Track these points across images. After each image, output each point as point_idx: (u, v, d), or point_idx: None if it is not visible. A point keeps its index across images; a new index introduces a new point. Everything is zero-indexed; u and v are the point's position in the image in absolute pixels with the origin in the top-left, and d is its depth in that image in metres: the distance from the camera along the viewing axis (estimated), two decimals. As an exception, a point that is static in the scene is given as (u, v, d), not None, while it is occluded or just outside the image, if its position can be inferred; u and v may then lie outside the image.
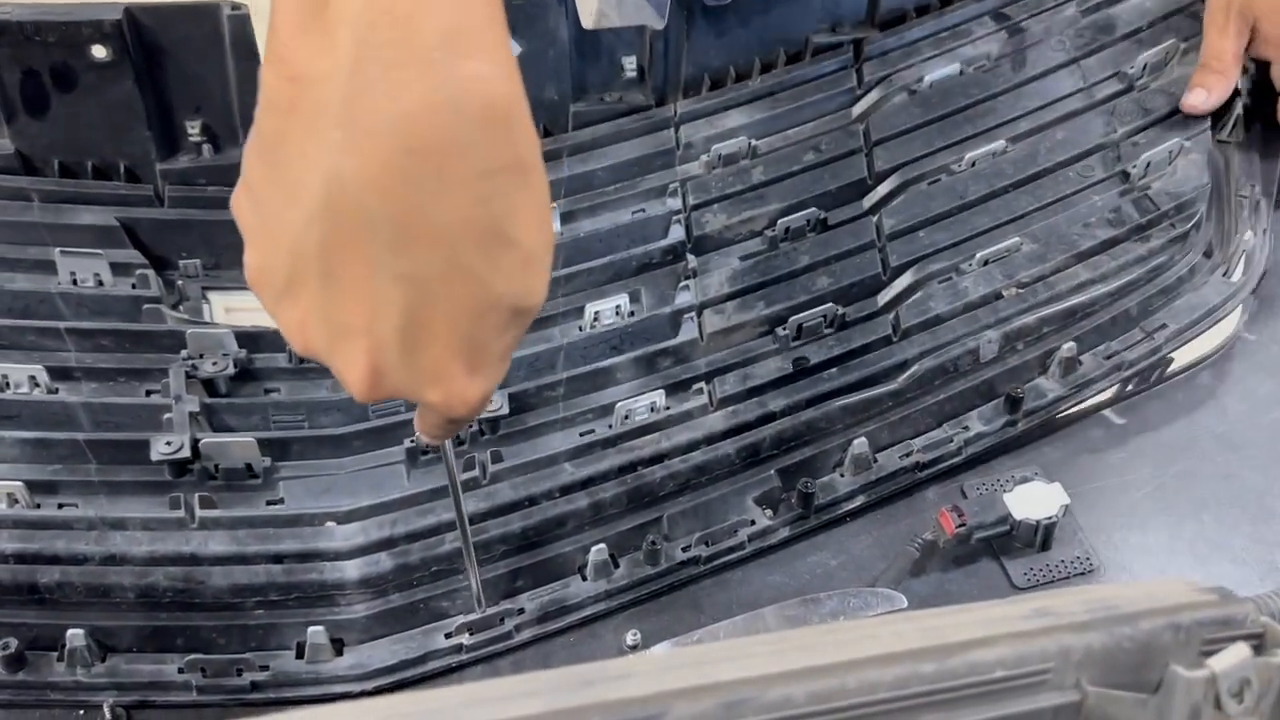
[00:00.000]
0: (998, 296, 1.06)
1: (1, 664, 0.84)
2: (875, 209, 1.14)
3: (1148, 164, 1.13)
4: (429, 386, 0.57)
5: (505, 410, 1.00)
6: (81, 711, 0.86)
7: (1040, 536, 0.92)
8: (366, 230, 0.52)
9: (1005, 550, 0.93)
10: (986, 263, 1.08)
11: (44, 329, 1.02)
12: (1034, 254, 1.08)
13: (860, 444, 0.98)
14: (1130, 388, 1.06)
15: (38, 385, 0.99)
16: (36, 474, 0.93)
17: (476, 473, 0.97)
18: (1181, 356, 1.07)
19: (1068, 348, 1.03)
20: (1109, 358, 1.05)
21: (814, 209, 1.14)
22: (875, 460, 0.99)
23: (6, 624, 0.85)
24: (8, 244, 1.07)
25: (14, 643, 0.84)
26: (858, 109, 1.23)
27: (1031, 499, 0.92)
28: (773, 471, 0.98)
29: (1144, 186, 1.12)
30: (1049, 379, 1.04)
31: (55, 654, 0.86)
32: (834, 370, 1.01)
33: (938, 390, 1.02)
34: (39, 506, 0.91)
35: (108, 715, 0.87)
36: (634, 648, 0.91)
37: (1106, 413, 1.05)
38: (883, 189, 1.15)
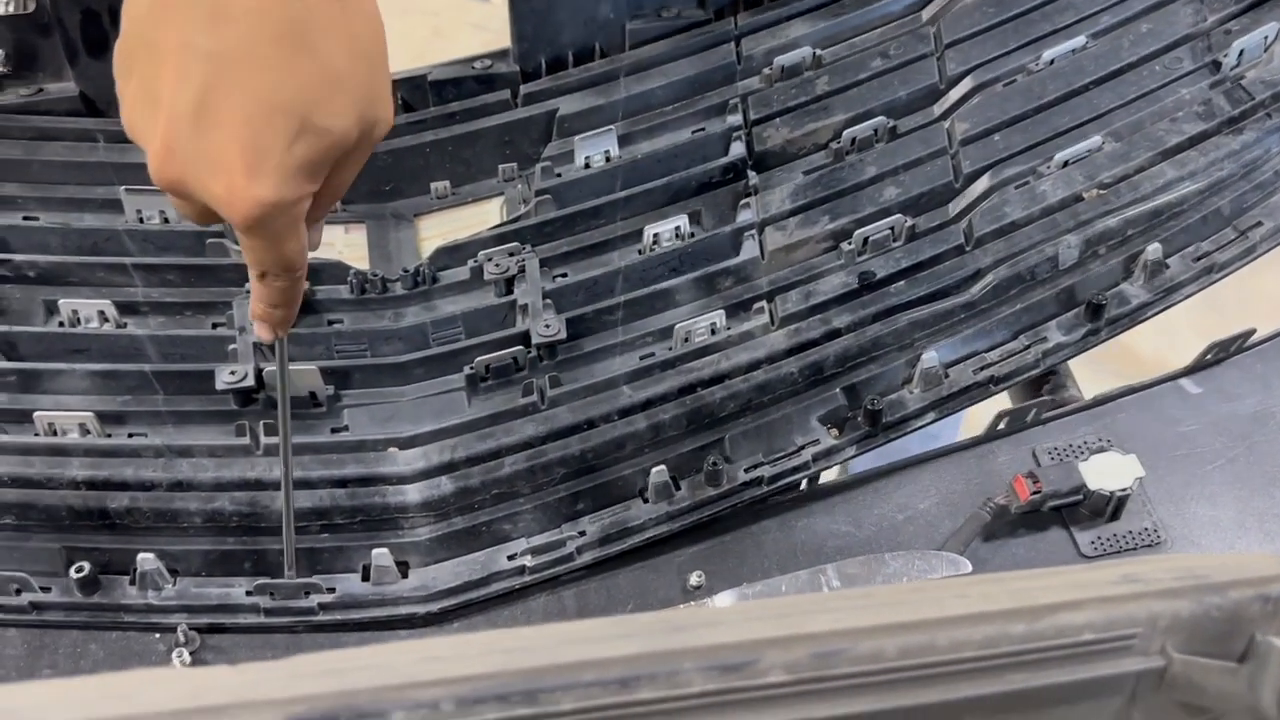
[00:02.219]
0: (1078, 199, 1.00)
1: (76, 586, 0.86)
2: (947, 114, 1.09)
3: (1241, 51, 1.05)
4: (210, 173, 0.59)
5: (562, 335, 0.99)
6: (157, 635, 0.89)
7: (1111, 507, 0.90)
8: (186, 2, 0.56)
9: (1074, 519, 0.91)
10: (1066, 165, 1.02)
11: (111, 265, 1.04)
12: (1117, 153, 1.02)
13: (930, 358, 0.94)
14: (1210, 357, 1.00)
15: (106, 320, 1.01)
16: (106, 405, 0.95)
17: (535, 398, 0.96)
18: (1264, 327, 1.02)
19: (1153, 250, 0.97)
20: (1198, 259, 0.98)
21: (882, 118, 1.08)
22: (946, 375, 0.95)
23: (80, 548, 0.88)
24: (75, 184, 1.09)
25: (87, 566, 0.86)
26: (928, 11, 1.17)
27: (1106, 469, 0.90)
28: (838, 390, 0.95)
29: (1237, 76, 1.04)
30: (1133, 284, 0.98)
31: (127, 578, 0.88)
32: (902, 284, 0.97)
33: (1014, 300, 0.97)
34: (109, 436, 0.93)
35: (181, 638, 0.90)
36: (697, 588, 0.90)
37: (1183, 381, 1.01)
38: (955, 93, 1.09)
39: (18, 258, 1.02)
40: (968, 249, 0.99)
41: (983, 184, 1.02)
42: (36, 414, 0.92)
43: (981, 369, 0.95)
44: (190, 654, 0.89)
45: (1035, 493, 0.89)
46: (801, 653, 0.42)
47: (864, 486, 0.94)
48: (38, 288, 1.03)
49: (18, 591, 0.86)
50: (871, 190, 1.04)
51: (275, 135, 0.58)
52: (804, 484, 0.97)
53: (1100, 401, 1.00)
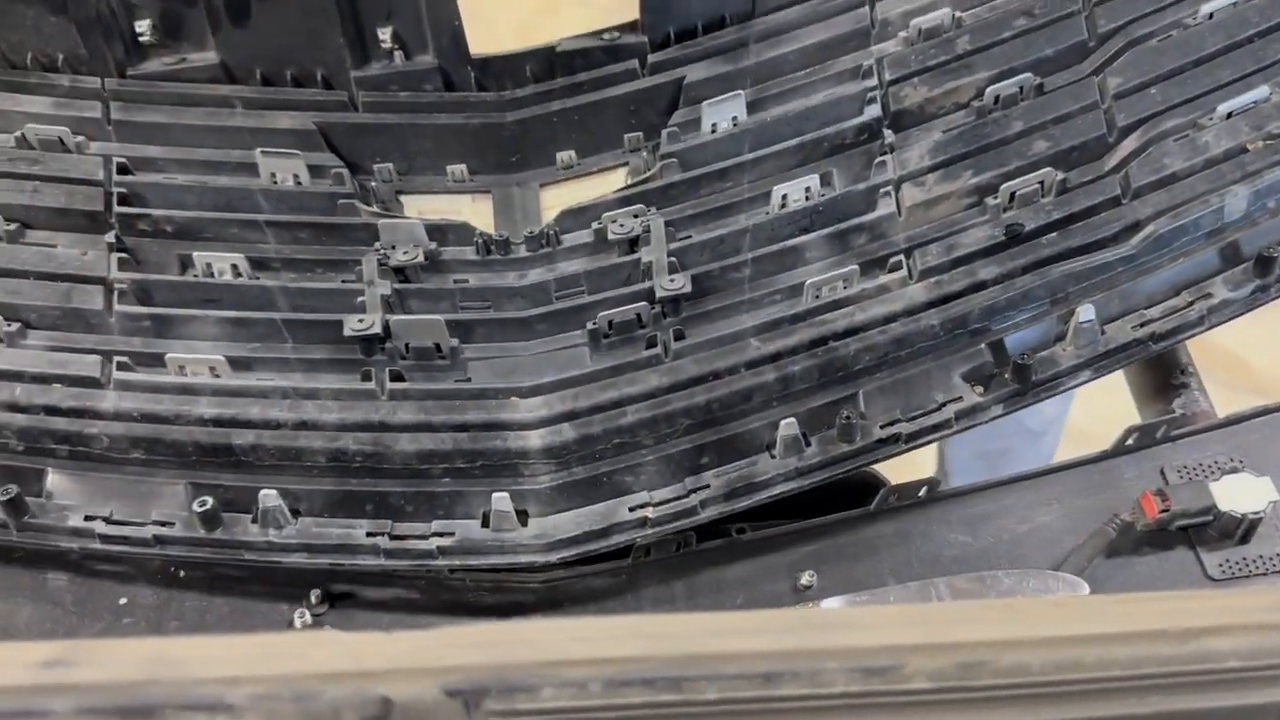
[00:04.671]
0: (1243, 151, 0.93)
1: (199, 521, 0.86)
2: (1099, 70, 1.03)
3: None
4: None
5: (687, 289, 0.96)
6: (284, 605, 0.90)
7: (1242, 530, 0.85)
8: None
9: (1201, 540, 0.87)
10: (1230, 115, 0.95)
11: (245, 222, 1.06)
12: (1290, 102, 0.94)
13: (1086, 311, 0.87)
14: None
15: (239, 274, 1.02)
16: (235, 351, 0.96)
17: (658, 350, 0.93)
18: None
19: (1332, 199, 0.89)
20: (1384, 208, 0.90)
21: (1028, 74, 1.03)
22: (1103, 331, 0.88)
23: (204, 484, 0.88)
24: (214, 147, 1.11)
25: (210, 501, 0.86)
26: (1077, -26, 1.12)
27: (1239, 490, 0.85)
28: (983, 345, 0.89)
29: None
30: (1310, 237, 0.90)
31: (249, 516, 0.88)
32: (1054, 235, 0.91)
33: (1175, 254, 0.90)
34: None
35: (313, 600, 0.89)
36: (808, 588, 0.87)
37: (1320, 399, 0.94)
38: (1107, 49, 1.03)
39: (155, 212, 1.05)
40: (1124, 200, 0.93)
41: (1138, 136, 0.96)
42: (168, 355, 0.93)
43: (1141, 325, 0.89)
44: (313, 617, 0.89)
45: (1164, 511, 0.85)
46: (946, 661, 0.41)
47: (983, 495, 0.91)
48: (173, 242, 1.05)
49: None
50: (1018, 145, 0.98)
51: None
52: (923, 490, 0.93)
53: (1233, 421, 0.94)
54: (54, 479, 0.87)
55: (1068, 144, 0.97)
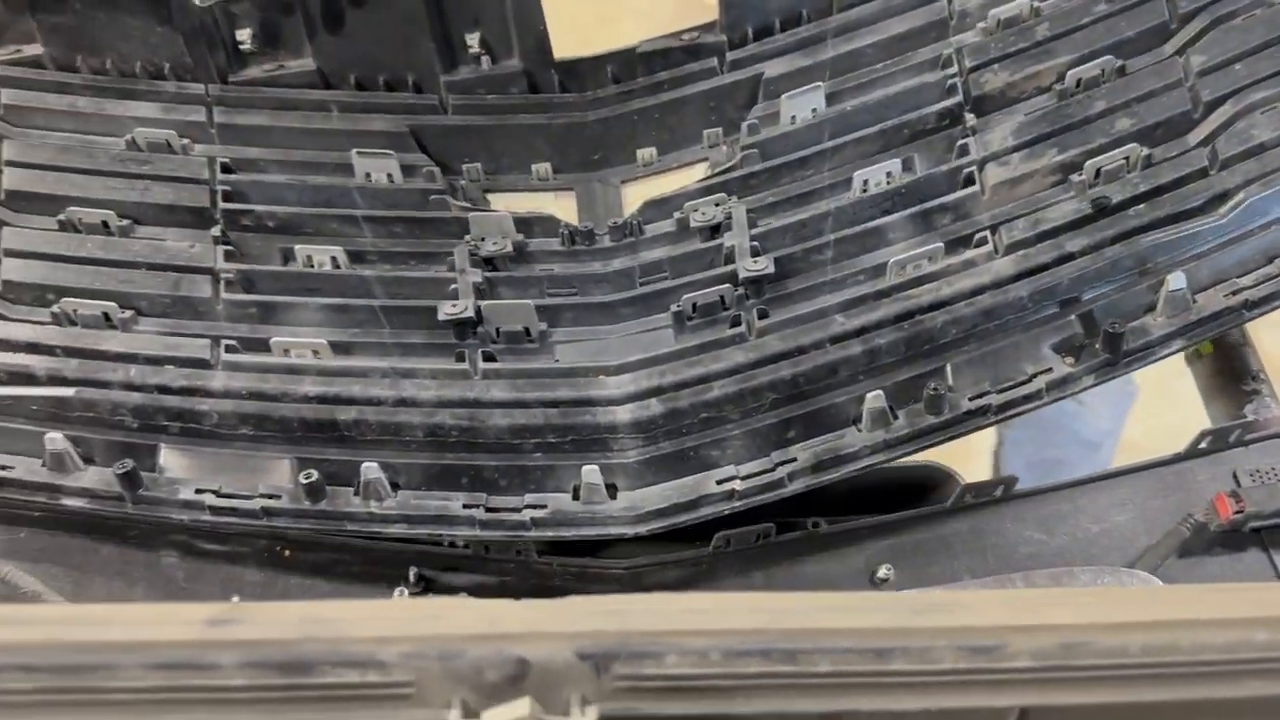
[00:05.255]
0: (1338, 120, 0.92)
1: (305, 492, 0.89)
2: (1182, 49, 1.02)
3: None
4: None
5: (771, 269, 0.97)
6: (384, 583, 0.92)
7: None
8: None
9: (1274, 541, 0.87)
10: (1322, 86, 0.94)
11: (342, 217, 1.10)
12: (1382, 70, 0.93)
13: (1177, 280, 0.87)
14: None
15: (338, 266, 1.06)
16: (336, 336, 0.99)
17: (742, 329, 0.95)
18: None
19: None
20: None
21: (1109, 57, 1.03)
22: (1194, 300, 0.88)
23: (309, 459, 0.91)
24: (311, 148, 1.16)
25: (315, 473, 0.89)
26: (1155, -40, 1.12)
27: None
28: (1072, 317, 0.89)
29: None
30: None
31: (351, 489, 0.91)
32: (1141, 207, 0.91)
33: (1268, 222, 0.89)
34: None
35: (411, 579, 0.92)
36: (885, 580, 0.88)
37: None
38: (1190, 29, 1.03)
39: (258, 208, 1.09)
40: (1212, 172, 0.92)
41: (1226, 110, 0.95)
42: (273, 339, 0.97)
43: (1234, 293, 0.88)
44: (409, 592, 0.92)
45: (1238, 512, 0.86)
46: (1048, 641, 0.43)
47: (1058, 495, 0.92)
48: (275, 236, 1.09)
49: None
50: (1101, 123, 0.98)
51: None
52: (1000, 489, 0.93)
53: None
54: (166, 455, 0.91)
55: (1152, 120, 0.97)
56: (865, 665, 0.43)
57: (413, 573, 0.93)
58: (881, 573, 0.88)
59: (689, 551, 0.92)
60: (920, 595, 0.50)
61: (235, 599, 0.89)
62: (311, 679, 0.43)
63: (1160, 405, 1.87)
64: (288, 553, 0.94)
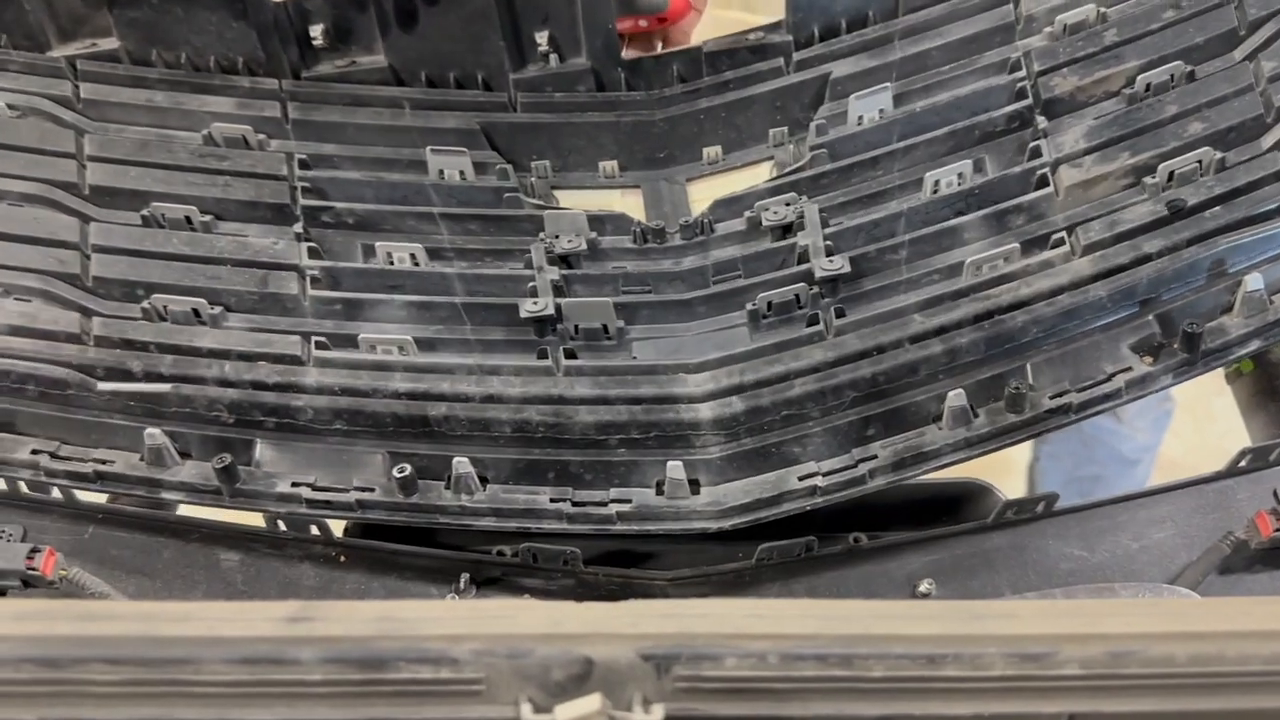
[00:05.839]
0: None
1: (398, 486, 0.91)
2: (1252, 55, 1.04)
3: None
4: None
5: (846, 269, 0.99)
6: (434, 589, 0.94)
7: None
8: None
9: None
10: (1396, 92, 0.95)
11: (420, 214, 1.12)
12: None
13: (1254, 281, 0.88)
14: None
15: (418, 263, 1.08)
16: (420, 333, 1.01)
17: (820, 327, 0.97)
18: None
19: None
20: None
21: (1179, 62, 1.05)
22: (1272, 301, 0.89)
23: (401, 453, 0.93)
24: (385, 145, 1.18)
25: (409, 467, 0.91)
26: (1223, -34, 1.13)
27: None
28: (1150, 317, 0.91)
29: None
30: None
31: (442, 483, 0.93)
32: (1217, 209, 0.93)
33: (1344, 226, 0.91)
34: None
35: (462, 584, 0.94)
36: (926, 595, 0.89)
37: None
38: (1260, 35, 1.05)
39: (337, 205, 1.11)
40: (1289, 176, 0.94)
41: (1300, 115, 0.96)
42: (361, 335, 0.99)
43: (1311, 295, 0.89)
44: (459, 599, 0.93)
45: (1278, 529, 0.85)
46: (1097, 650, 0.44)
47: (1098, 512, 0.92)
48: (354, 233, 1.11)
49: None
50: (1173, 127, 1.00)
51: None
52: (1041, 506, 0.94)
53: None
54: (262, 449, 0.93)
55: (1224, 125, 0.99)
56: (918, 670, 0.45)
57: (464, 579, 0.94)
58: (923, 587, 0.89)
59: (732, 564, 0.94)
60: (971, 604, 0.51)
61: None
62: (387, 674, 0.45)
63: (1199, 422, 1.90)
64: (343, 558, 0.96)
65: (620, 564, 0.94)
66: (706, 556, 0.95)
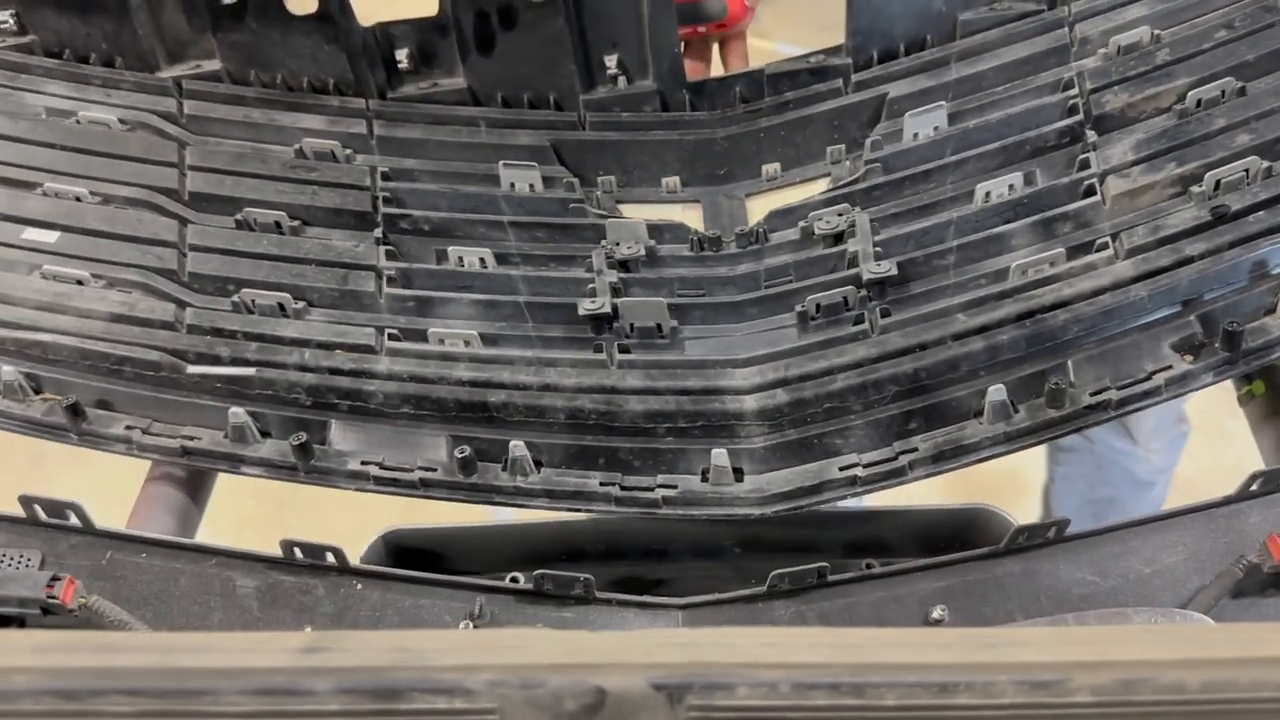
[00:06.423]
0: None
1: (458, 467, 0.96)
2: (1303, 70, 1.05)
3: None
4: None
5: (893, 271, 1.02)
6: (446, 615, 0.91)
7: None
8: None
9: None
10: None
11: (490, 222, 1.19)
12: None
13: (1296, 283, 0.90)
14: None
15: (485, 266, 1.14)
16: (485, 329, 1.07)
17: (865, 326, 1.00)
18: None
19: None
20: None
21: (1230, 79, 1.07)
22: (1314, 303, 0.90)
23: (462, 437, 0.98)
24: (462, 160, 1.26)
25: (469, 449, 0.96)
26: (1277, -12, 1.15)
27: None
28: (1192, 317, 0.92)
29: None
30: None
31: (499, 465, 0.98)
32: (1261, 214, 0.94)
33: (1390, 231, 0.91)
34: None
35: (477, 611, 0.90)
36: (939, 622, 0.88)
37: None
38: (1311, 51, 1.06)
39: (415, 213, 1.19)
40: (1334, 183, 0.95)
41: (1349, 126, 0.97)
42: (429, 330, 1.06)
43: (1354, 298, 0.90)
44: (474, 625, 0.91)
45: None
46: (1108, 678, 0.44)
47: (1110, 537, 0.91)
48: (430, 239, 1.18)
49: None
50: (1221, 139, 1.02)
51: None
52: (1052, 531, 0.92)
53: None
54: (336, 430, 1.00)
55: (1271, 135, 1.00)
56: (930, 699, 0.45)
57: (479, 604, 0.92)
58: (936, 613, 0.88)
59: (745, 590, 0.93)
60: (983, 631, 0.51)
61: (308, 629, 0.91)
62: (402, 705, 0.45)
63: (1214, 443, 1.86)
64: (360, 586, 0.95)
65: (633, 590, 0.93)
66: (720, 583, 0.95)
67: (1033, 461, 1.87)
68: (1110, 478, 1.73)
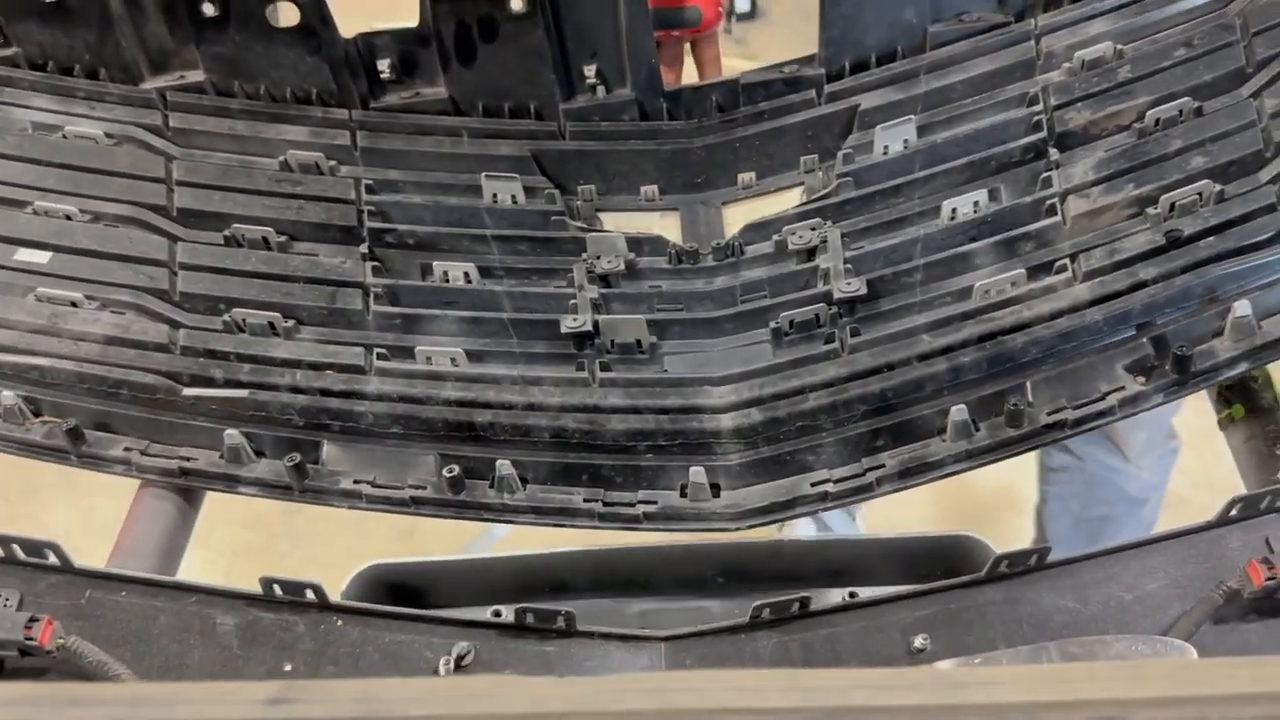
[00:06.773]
0: (1404, 162, 0.98)
1: (447, 484, 1.01)
2: (1257, 93, 1.10)
3: None
4: None
5: (863, 291, 1.07)
6: (428, 652, 0.91)
7: None
8: None
9: None
10: (1390, 130, 1.00)
11: (473, 236, 1.22)
12: None
13: (1243, 307, 0.94)
14: None
15: (470, 280, 1.18)
16: (470, 345, 1.11)
17: (835, 345, 1.05)
18: None
19: None
20: None
21: (1187, 98, 1.11)
22: (1260, 326, 0.95)
23: (451, 455, 1.03)
24: (445, 171, 1.28)
25: (457, 468, 1.01)
26: (1234, 7, 1.18)
27: None
28: (1144, 340, 0.97)
29: None
30: None
31: (486, 482, 1.02)
32: (1211, 239, 0.99)
33: (1332, 257, 0.96)
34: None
35: (455, 652, 0.89)
36: (921, 650, 0.89)
37: None
38: (1265, 74, 1.10)
39: (400, 227, 1.22)
40: (1281, 209, 0.99)
41: (1296, 151, 1.02)
42: (417, 348, 1.09)
43: (1298, 323, 0.95)
44: (456, 664, 0.91)
45: (1270, 579, 0.85)
46: (1079, 717, 0.44)
47: (1090, 564, 0.92)
48: (415, 252, 1.22)
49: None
50: (1178, 160, 1.06)
51: None
52: (1034, 559, 0.93)
53: None
54: (328, 449, 1.04)
55: (1225, 159, 1.04)
56: None
57: (456, 649, 0.92)
58: (918, 642, 0.88)
59: (727, 621, 0.93)
60: (953, 671, 0.51)
61: (287, 667, 0.92)
62: None
63: (1205, 460, 1.86)
64: (340, 622, 0.95)
65: (616, 623, 0.93)
66: (702, 614, 0.97)
67: (1026, 480, 1.87)
68: (1102, 496, 1.72)
